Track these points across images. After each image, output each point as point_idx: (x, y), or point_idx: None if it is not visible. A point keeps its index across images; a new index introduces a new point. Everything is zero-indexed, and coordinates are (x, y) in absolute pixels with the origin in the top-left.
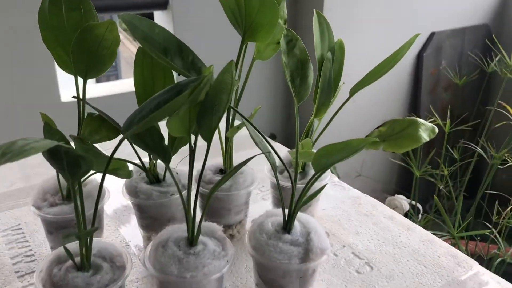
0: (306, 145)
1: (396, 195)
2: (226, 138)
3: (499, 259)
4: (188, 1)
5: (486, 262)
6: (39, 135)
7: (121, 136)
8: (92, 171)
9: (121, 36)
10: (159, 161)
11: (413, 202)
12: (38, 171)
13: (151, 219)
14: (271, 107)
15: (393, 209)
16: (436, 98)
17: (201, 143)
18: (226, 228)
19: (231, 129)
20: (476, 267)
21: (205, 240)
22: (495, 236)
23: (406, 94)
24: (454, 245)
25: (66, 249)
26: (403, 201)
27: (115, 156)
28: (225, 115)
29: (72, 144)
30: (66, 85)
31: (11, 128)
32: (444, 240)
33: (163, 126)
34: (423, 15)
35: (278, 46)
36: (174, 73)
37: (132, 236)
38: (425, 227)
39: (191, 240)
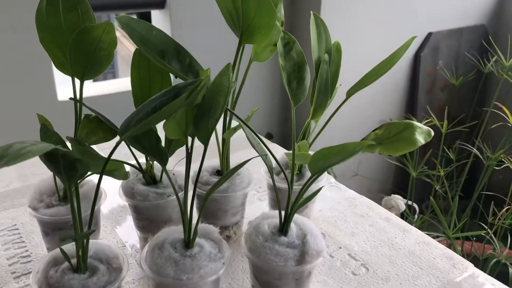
0: (303, 147)
1: (392, 195)
2: (223, 139)
3: (495, 260)
4: (186, 0)
5: (481, 262)
6: (35, 133)
7: (118, 137)
8: (89, 172)
9: (119, 34)
10: (155, 162)
11: (410, 202)
12: (34, 171)
13: (147, 220)
14: (268, 108)
15: (389, 209)
16: (433, 99)
17: (198, 144)
18: (223, 229)
19: (228, 131)
20: (471, 268)
21: (202, 242)
22: (491, 236)
23: (403, 94)
24: (449, 245)
25: (62, 251)
26: (400, 201)
27: (112, 157)
28: (222, 116)
29: (69, 145)
30: (63, 84)
31: (7, 126)
32: (440, 241)
33: (160, 127)
34: (421, 15)
35: (275, 48)
36: (171, 75)
37: (129, 237)
38: (421, 227)
39: (188, 242)
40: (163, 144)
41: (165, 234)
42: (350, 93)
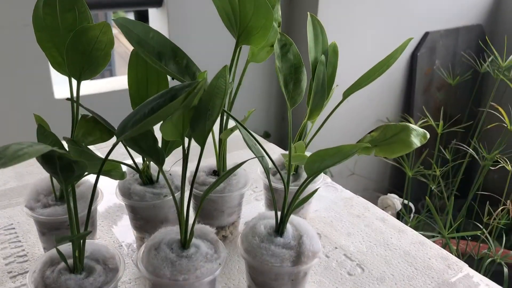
0: (299, 148)
1: (388, 194)
2: (220, 140)
3: (490, 259)
4: None
5: (476, 262)
6: (32, 131)
7: (115, 137)
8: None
9: (116, 32)
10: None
11: (406, 201)
12: (31, 170)
13: (144, 220)
14: (265, 108)
15: (385, 208)
16: (430, 99)
17: (194, 144)
18: (219, 229)
19: (224, 132)
20: (466, 269)
21: (198, 242)
22: (486, 236)
23: (400, 94)
24: (445, 245)
25: (59, 251)
26: (396, 200)
27: (109, 157)
28: (218, 117)
29: (66, 145)
30: (60, 82)
31: (4, 124)
32: (435, 240)
33: (156, 128)
34: (417, 15)
35: (272, 49)
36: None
37: (125, 237)
38: (417, 226)
39: (184, 243)
40: (160, 144)
41: (161, 234)
42: (346, 94)
